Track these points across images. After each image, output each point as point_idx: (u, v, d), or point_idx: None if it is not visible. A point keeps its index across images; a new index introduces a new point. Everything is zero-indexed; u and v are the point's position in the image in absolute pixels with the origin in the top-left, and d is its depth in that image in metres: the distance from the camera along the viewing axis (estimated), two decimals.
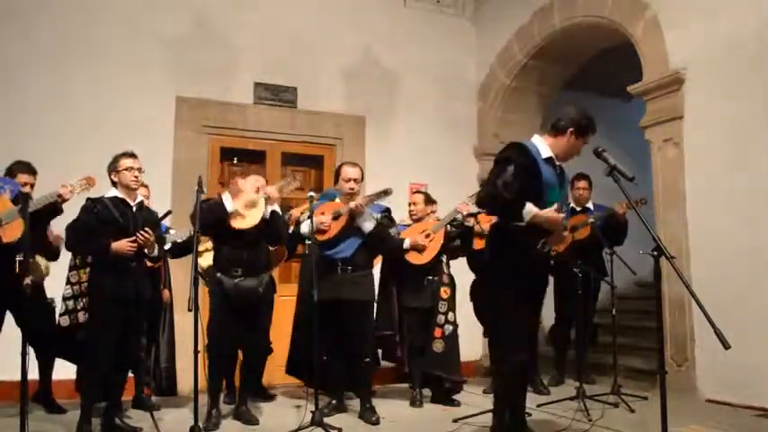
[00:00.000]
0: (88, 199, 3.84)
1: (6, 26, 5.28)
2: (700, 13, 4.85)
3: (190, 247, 4.02)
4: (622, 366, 5.23)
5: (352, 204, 4.26)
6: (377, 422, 4.17)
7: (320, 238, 4.27)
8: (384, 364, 5.24)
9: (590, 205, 5.41)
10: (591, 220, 5.16)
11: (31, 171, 4.28)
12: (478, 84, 7.14)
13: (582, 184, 5.45)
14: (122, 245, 3.70)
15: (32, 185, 4.24)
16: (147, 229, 3.75)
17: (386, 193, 4.30)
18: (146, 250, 3.82)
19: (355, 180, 4.37)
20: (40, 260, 4.24)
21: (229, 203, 4.08)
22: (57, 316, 4.20)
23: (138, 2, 5.76)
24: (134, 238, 3.72)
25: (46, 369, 4.42)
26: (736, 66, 4.61)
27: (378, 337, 4.84)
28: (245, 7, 6.14)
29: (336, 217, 4.30)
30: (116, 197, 3.85)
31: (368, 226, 4.33)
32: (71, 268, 4.22)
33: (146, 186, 4.47)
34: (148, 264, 4.03)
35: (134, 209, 3.87)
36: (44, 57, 5.34)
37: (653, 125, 5.21)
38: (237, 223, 4.08)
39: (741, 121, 4.57)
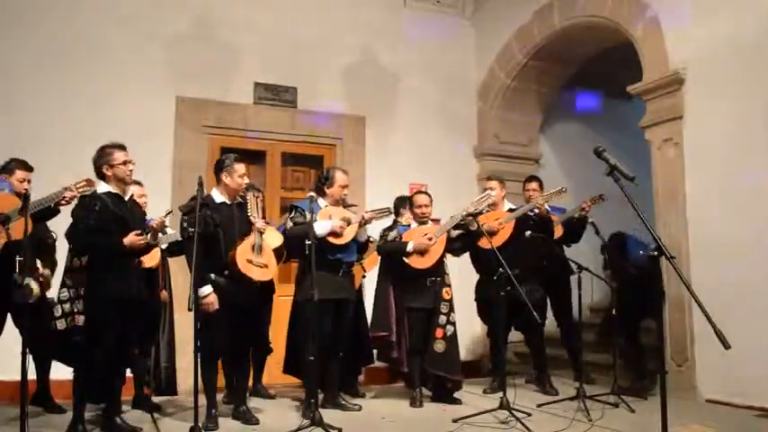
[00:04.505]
0: (85, 197, 3.76)
1: (6, 26, 5.28)
2: (700, 13, 4.86)
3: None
4: (622, 366, 5.23)
5: (367, 216, 4.56)
6: None
7: (336, 241, 4.40)
8: (379, 364, 5.28)
9: (547, 206, 5.37)
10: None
11: (28, 168, 4.28)
12: (478, 84, 7.14)
13: (532, 185, 5.48)
14: (133, 239, 3.67)
15: (29, 181, 4.25)
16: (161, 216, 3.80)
17: (388, 211, 4.76)
18: (149, 237, 3.77)
19: (348, 186, 4.60)
20: (34, 285, 4.11)
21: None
22: (53, 318, 4.14)
23: (138, 2, 5.76)
24: (139, 231, 3.70)
25: (43, 370, 4.41)
26: (736, 66, 4.61)
27: (373, 337, 4.86)
28: (245, 7, 6.14)
29: (348, 224, 4.47)
30: (111, 192, 3.77)
31: (364, 236, 4.70)
32: (67, 270, 4.19)
33: (140, 184, 4.41)
34: (146, 265, 4.03)
35: (128, 204, 3.84)
36: (44, 57, 5.34)
37: (653, 125, 5.21)
38: (255, 275, 4.05)
39: (741, 121, 4.57)
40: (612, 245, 5.03)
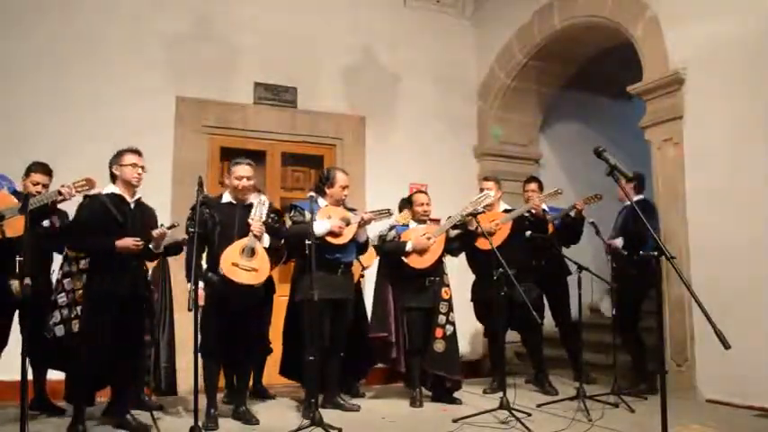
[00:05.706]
0: (85, 197, 3.81)
1: (6, 26, 5.28)
2: (700, 13, 4.86)
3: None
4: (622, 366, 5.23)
5: (366, 216, 4.54)
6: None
7: (334, 240, 4.39)
8: (379, 363, 5.26)
9: (544, 206, 5.34)
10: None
11: (47, 172, 4.25)
12: (478, 84, 7.14)
13: (532, 186, 5.46)
14: (128, 242, 3.68)
15: (46, 186, 4.20)
16: (164, 225, 3.78)
17: (388, 212, 4.71)
18: (151, 245, 3.80)
19: (348, 187, 4.59)
20: (15, 283, 3.95)
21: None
22: (51, 325, 4.05)
23: (138, 2, 5.76)
24: (139, 239, 3.71)
25: (40, 373, 4.36)
26: (736, 66, 4.61)
27: (372, 338, 4.86)
28: (245, 7, 6.14)
29: (347, 224, 4.46)
30: (114, 194, 3.81)
31: (363, 236, 4.65)
32: (65, 275, 4.11)
33: None
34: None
35: (132, 206, 3.85)
36: (44, 57, 5.34)
37: (653, 125, 5.21)
38: (241, 278, 3.99)
39: (741, 121, 4.57)
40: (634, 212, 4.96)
